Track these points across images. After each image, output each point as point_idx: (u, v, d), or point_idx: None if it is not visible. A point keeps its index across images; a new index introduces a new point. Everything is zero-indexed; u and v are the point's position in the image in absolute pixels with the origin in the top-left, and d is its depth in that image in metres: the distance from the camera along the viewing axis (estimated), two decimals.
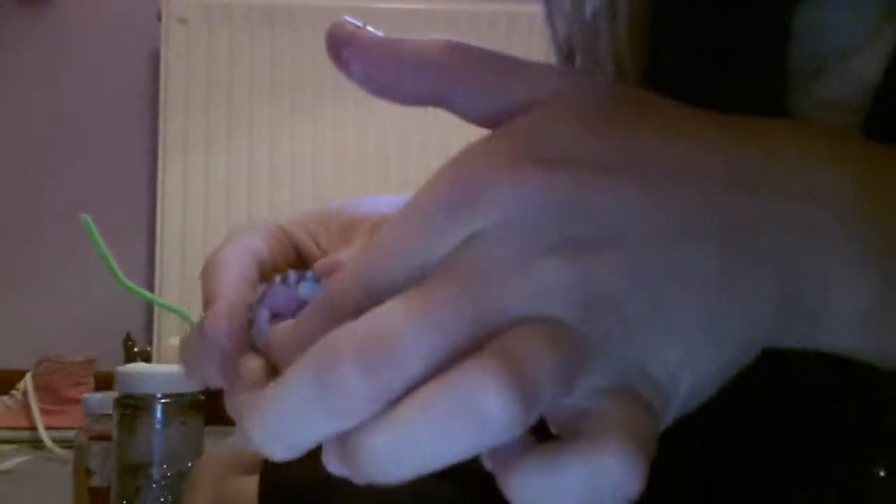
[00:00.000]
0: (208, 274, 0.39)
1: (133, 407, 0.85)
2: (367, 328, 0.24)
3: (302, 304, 0.35)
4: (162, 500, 0.84)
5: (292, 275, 0.36)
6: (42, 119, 2.41)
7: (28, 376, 2.10)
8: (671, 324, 0.26)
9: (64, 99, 2.41)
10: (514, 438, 0.23)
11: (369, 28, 0.30)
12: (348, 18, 0.30)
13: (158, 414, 0.85)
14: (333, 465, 0.25)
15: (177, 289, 2.24)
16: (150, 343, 2.23)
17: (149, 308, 2.31)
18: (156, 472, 0.85)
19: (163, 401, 0.85)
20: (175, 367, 0.88)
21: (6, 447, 1.97)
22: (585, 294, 0.25)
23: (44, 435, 1.98)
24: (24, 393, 2.08)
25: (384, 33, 0.30)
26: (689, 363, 0.26)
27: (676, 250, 0.26)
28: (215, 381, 0.35)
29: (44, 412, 2.04)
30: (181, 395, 0.86)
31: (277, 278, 0.36)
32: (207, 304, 0.38)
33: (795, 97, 0.41)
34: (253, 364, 0.32)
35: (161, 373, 0.86)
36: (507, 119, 0.28)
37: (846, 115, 0.39)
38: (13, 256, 2.39)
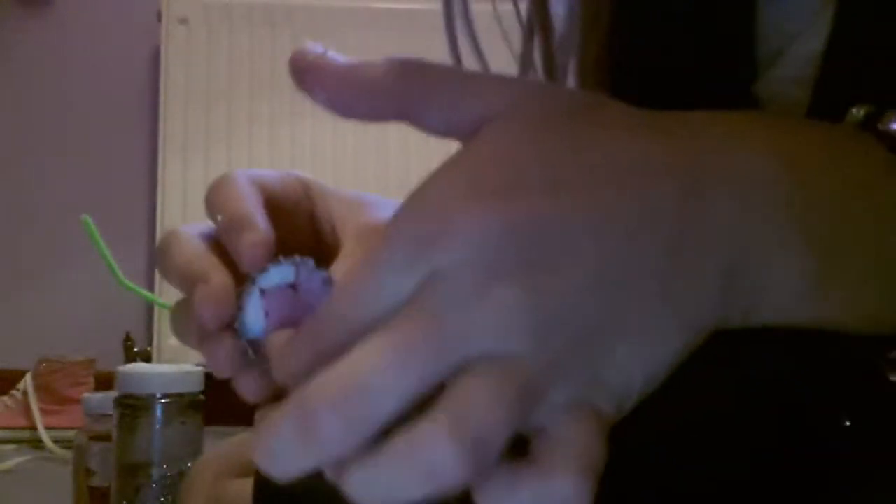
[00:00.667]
0: (219, 189, 0.41)
1: (133, 407, 0.85)
2: (342, 380, 0.26)
3: (297, 292, 0.35)
4: (162, 500, 0.84)
5: (280, 267, 0.35)
6: (42, 119, 2.41)
7: (28, 376, 2.10)
8: (623, 328, 0.28)
9: (64, 99, 2.41)
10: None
11: (329, 55, 0.32)
12: (309, 46, 0.32)
13: (158, 414, 0.85)
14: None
15: (177, 289, 2.24)
16: (150, 343, 2.23)
17: (149, 308, 2.31)
18: (156, 472, 0.84)
19: (163, 401, 0.85)
20: (175, 367, 0.88)
21: (6, 447, 1.97)
22: (539, 319, 0.27)
23: (44, 435, 1.98)
24: (24, 393, 2.08)
25: (346, 58, 0.32)
26: (641, 360, 0.28)
27: (625, 257, 0.28)
28: (198, 349, 0.38)
29: (44, 412, 2.04)
30: (181, 395, 0.86)
31: (269, 267, 0.36)
32: (221, 218, 0.40)
33: (761, 82, 0.44)
34: (223, 355, 0.36)
35: (161, 373, 0.86)
36: (468, 130, 0.30)
37: (802, 90, 0.42)
38: (13, 256, 2.39)
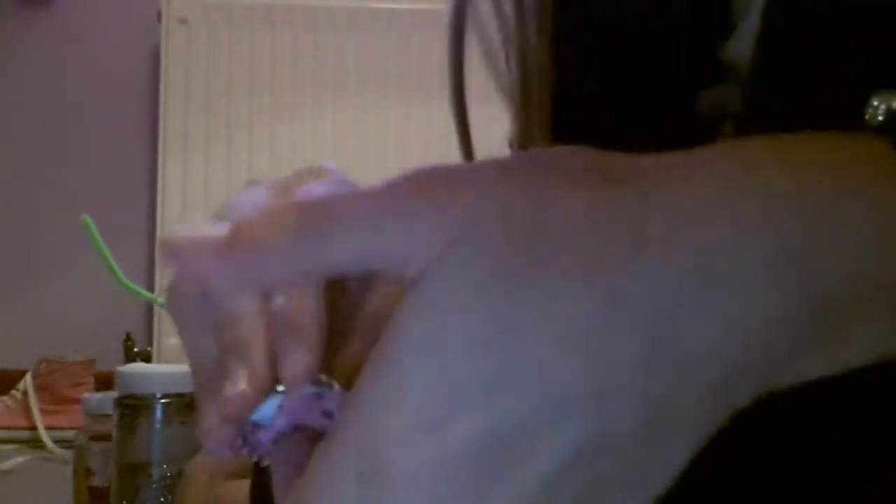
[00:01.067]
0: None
1: (133, 407, 0.85)
2: None
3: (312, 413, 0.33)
4: (162, 500, 0.84)
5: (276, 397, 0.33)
6: (42, 119, 2.41)
7: (28, 376, 2.10)
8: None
9: (64, 99, 2.41)
10: None
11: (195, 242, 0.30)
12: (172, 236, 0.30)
13: (158, 414, 0.85)
14: None
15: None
16: (150, 343, 2.23)
17: (149, 308, 2.31)
18: (156, 472, 0.85)
19: (163, 401, 0.85)
20: (175, 367, 0.88)
21: (6, 447, 1.97)
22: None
23: (44, 435, 1.98)
24: (24, 393, 2.08)
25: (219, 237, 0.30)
26: None
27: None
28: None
29: (44, 412, 2.04)
30: (181, 395, 0.86)
31: (278, 392, 0.33)
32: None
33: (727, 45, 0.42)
34: None
35: (161, 373, 0.86)
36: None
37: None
38: (14, 257, 2.39)
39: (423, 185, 0.27)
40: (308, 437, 0.32)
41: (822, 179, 0.27)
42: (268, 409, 0.33)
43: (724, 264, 0.26)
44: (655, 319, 0.25)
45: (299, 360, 0.31)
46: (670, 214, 0.26)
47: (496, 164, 0.28)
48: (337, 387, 0.33)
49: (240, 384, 0.31)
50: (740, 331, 0.26)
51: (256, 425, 0.33)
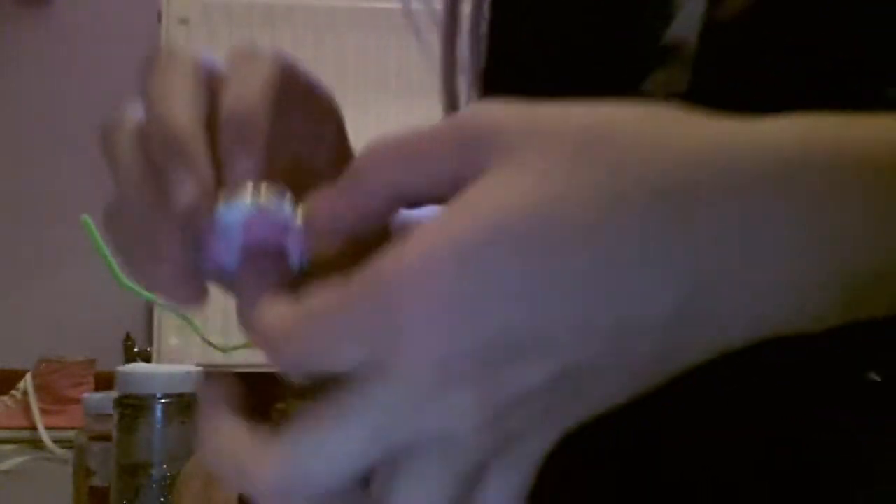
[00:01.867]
0: (155, 79, 0.36)
1: (133, 407, 0.85)
2: (286, 452, 0.27)
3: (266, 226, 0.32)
4: (162, 500, 0.84)
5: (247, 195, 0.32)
6: (42, 119, 2.41)
7: (28, 376, 2.10)
8: (582, 401, 0.28)
9: (64, 99, 2.41)
10: None
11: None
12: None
13: (158, 414, 0.85)
14: None
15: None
16: (150, 343, 2.23)
17: (149, 308, 2.31)
18: (156, 472, 0.85)
19: (163, 401, 0.85)
20: (175, 367, 0.88)
21: (6, 447, 1.97)
22: (488, 420, 0.26)
23: (44, 435, 1.98)
24: (24, 393, 2.08)
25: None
26: (591, 411, 0.28)
27: (587, 349, 0.27)
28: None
29: (44, 412, 2.04)
30: (181, 395, 0.86)
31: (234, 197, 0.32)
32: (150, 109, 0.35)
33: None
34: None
35: (161, 373, 0.86)
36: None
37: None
38: (14, 256, 2.39)
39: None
40: (272, 260, 0.32)
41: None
42: (229, 220, 0.32)
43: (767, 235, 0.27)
44: (693, 277, 0.27)
45: (244, 163, 0.32)
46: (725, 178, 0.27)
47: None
48: (297, 208, 0.32)
49: (187, 184, 0.32)
50: (771, 296, 0.27)
51: (216, 226, 0.32)
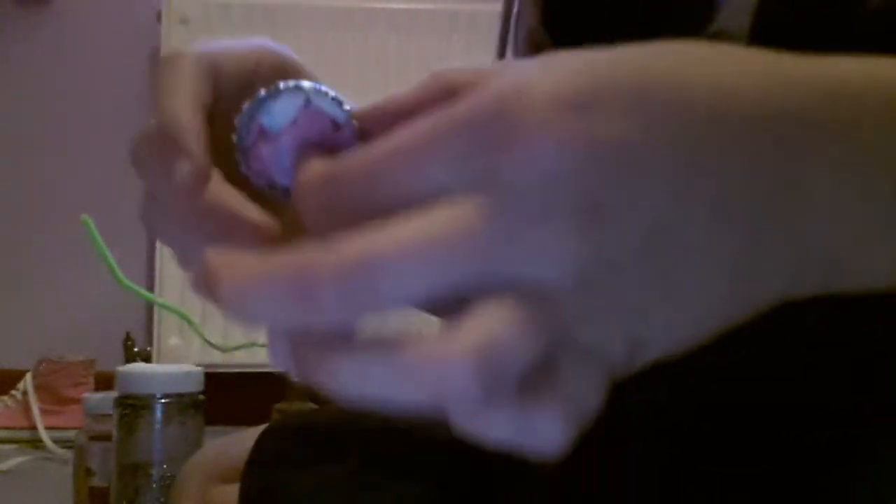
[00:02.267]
0: (163, 82, 0.39)
1: (133, 407, 0.85)
2: (357, 253, 0.24)
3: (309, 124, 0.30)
4: (162, 500, 0.84)
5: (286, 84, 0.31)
6: (42, 119, 2.41)
7: (28, 376, 2.10)
8: (671, 288, 0.26)
9: (64, 99, 2.41)
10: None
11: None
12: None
13: (158, 414, 0.85)
14: (279, 358, 0.25)
15: (177, 289, 2.24)
16: (150, 343, 2.23)
17: (149, 308, 2.31)
18: (156, 472, 0.85)
19: (163, 401, 0.85)
20: (175, 367, 0.88)
21: (6, 447, 1.97)
22: (588, 261, 0.24)
23: (44, 435, 1.98)
24: (24, 393, 2.08)
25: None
26: (676, 325, 0.26)
27: (701, 225, 0.25)
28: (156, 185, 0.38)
29: (44, 412, 2.04)
30: (181, 395, 0.86)
31: (279, 84, 0.31)
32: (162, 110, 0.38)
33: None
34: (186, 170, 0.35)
35: (161, 373, 0.86)
36: None
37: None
38: (13, 257, 2.39)
39: None
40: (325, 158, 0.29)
41: None
42: (279, 113, 0.30)
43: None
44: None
45: (186, 166, 0.35)
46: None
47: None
48: (347, 106, 0.31)
49: (183, 166, 0.36)
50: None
51: (263, 133, 0.31)
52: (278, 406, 1.29)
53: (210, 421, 0.90)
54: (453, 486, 0.53)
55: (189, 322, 1.26)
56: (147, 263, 2.32)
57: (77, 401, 1.90)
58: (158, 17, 2.33)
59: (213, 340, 1.35)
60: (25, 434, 2.02)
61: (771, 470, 0.42)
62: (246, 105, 0.32)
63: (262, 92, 0.32)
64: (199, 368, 0.89)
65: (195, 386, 0.88)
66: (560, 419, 0.25)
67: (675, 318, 0.26)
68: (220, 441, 0.65)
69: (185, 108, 0.38)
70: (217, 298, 0.25)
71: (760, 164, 0.26)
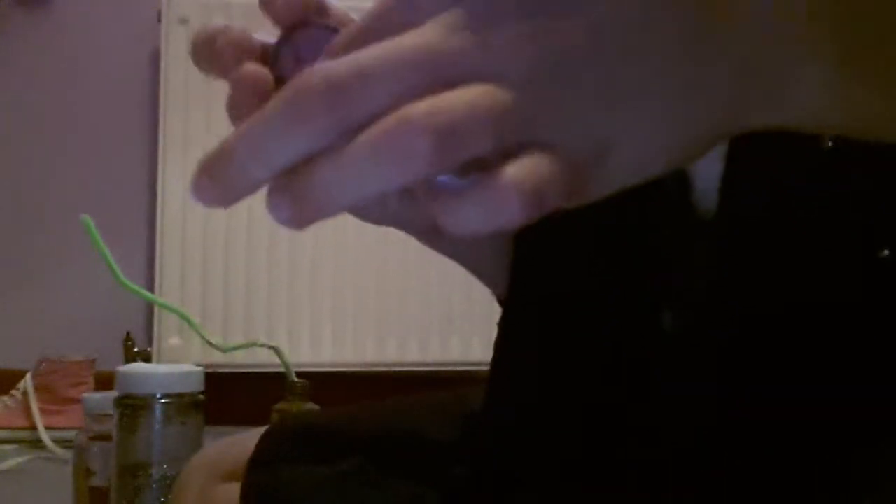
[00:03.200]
0: None
1: (133, 407, 0.85)
2: (344, 65, 0.27)
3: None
4: (162, 500, 0.84)
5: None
6: (42, 119, 2.41)
7: (28, 376, 2.10)
8: (622, 89, 0.29)
9: (64, 99, 2.41)
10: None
11: None
12: None
13: (158, 414, 0.85)
14: (280, 207, 0.29)
15: (177, 289, 2.24)
16: (150, 343, 2.23)
17: (149, 308, 2.31)
18: (156, 472, 0.85)
19: (163, 401, 0.85)
20: (175, 367, 0.88)
21: (6, 447, 1.97)
22: (539, 56, 0.28)
23: (44, 435, 1.98)
24: (24, 393, 2.08)
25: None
26: (631, 133, 0.29)
27: (639, 25, 0.28)
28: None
29: (44, 412, 2.04)
30: (181, 395, 0.86)
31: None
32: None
33: None
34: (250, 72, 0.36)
35: (161, 373, 0.86)
36: None
37: None
38: (13, 256, 2.39)
39: None
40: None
41: None
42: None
43: None
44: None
45: None
46: None
47: None
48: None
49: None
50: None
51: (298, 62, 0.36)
52: (278, 406, 1.29)
53: (210, 421, 0.90)
54: (454, 486, 0.53)
55: (189, 322, 1.26)
56: (147, 263, 2.32)
57: (77, 401, 1.90)
58: (158, 17, 2.33)
59: (213, 340, 1.35)
60: (25, 434, 2.03)
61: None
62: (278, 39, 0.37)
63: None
64: (199, 368, 0.89)
65: (195, 386, 0.88)
66: (516, 198, 0.27)
67: (635, 123, 0.29)
68: (221, 441, 0.65)
69: None
70: (238, 161, 0.29)
71: None
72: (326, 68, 0.27)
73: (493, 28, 0.28)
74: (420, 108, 0.26)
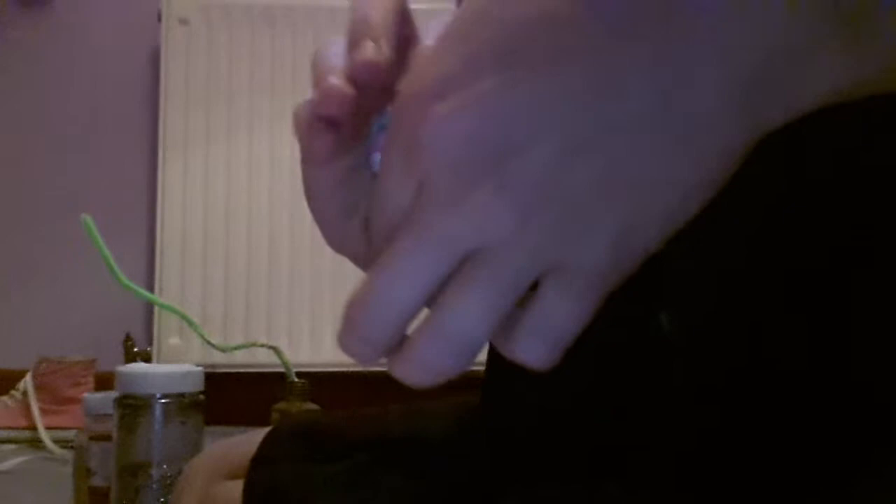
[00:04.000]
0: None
1: (133, 407, 0.85)
2: (355, 303, 0.30)
3: None
4: (162, 500, 0.84)
5: None
6: (42, 119, 2.41)
7: (28, 376, 2.10)
8: (611, 194, 0.28)
9: (64, 99, 2.41)
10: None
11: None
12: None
13: (158, 414, 0.85)
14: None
15: (177, 289, 2.24)
16: (150, 343, 2.23)
17: (149, 308, 2.31)
18: (156, 472, 0.85)
19: (163, 401, 0.85)
20: (175, 367, 0.88)
21: (6, 447, 1.97)
22: (516, 209, 0.28)
23: (44, 435, 1.98)
24: (24, 393, 2.08)
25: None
26: (647, 217, 0.29)
27: (601, 115, 0.28)
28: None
29: (44, 412, 2.04)
30: (181, 395, 0.86)
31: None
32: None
33: None
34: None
35: (161, 373, 0.86)
36: None
37: None
38: (13, 256, 2.39)
39: None
40: None
41: None
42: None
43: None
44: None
45: (362, 58, 0.37)
46: None
47: None
48: None
49: (367, 51, 0.37)
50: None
51: (382, 128, 0.36)
52: (278, 406, 1.29)
53: (210, 421, 0.90)
54: (453, 485, 0.53)
55: (189, 322, 1.26)
56: (147, 263, 2.32)
57: (77, 401, 1.90)
58: (158, 17, 2.33)
59: (213, 340, 1.35)
60: (25, 434, 2.03)
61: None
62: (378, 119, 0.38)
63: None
64: (199, 368, 0.89)
65: (195, 386, 0.88)
66: (540, 343, 0.29)
67: (640, 216, 0.28)
68: (224, 441, 0.65)
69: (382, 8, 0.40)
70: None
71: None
72: (350, 305, 0.30)
73: (462, 205, 0.28)
74: (428, 327, 0.29)
